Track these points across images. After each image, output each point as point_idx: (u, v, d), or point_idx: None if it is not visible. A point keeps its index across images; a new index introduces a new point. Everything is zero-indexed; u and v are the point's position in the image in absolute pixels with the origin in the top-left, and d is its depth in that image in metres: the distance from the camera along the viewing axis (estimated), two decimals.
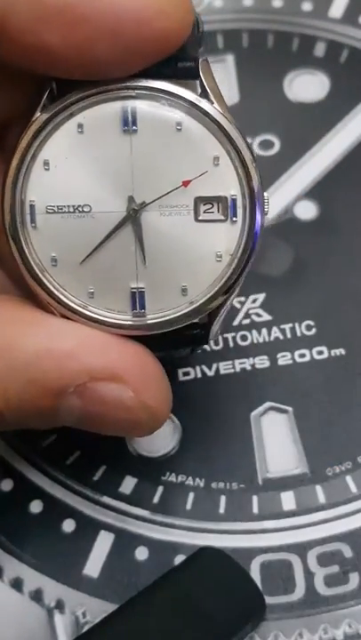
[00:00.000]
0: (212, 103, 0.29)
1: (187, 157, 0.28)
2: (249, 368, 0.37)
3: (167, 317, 0.29)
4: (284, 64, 0.44)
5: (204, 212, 0.29)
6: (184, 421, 0.36)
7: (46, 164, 0.28)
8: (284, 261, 0.39)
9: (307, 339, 0.38)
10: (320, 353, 0.37)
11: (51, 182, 0.28)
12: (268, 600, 0.33)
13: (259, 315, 0.38)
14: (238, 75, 0.43)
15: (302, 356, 0.37)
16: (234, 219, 0.29)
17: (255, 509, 0.35)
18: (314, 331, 0.38)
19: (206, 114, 0.28)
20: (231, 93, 0.43)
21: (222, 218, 0.29)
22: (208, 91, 0.29)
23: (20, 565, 0.34)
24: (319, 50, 0.44)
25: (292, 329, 0.38)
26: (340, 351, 0.37)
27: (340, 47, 0.44)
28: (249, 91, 0.43)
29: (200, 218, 0.29)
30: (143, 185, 0.28)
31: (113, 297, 0.29)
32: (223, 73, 0.43)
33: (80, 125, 0.28)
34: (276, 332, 0.38)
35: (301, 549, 0.34)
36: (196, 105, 0.28)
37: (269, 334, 0.38)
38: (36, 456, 0.36)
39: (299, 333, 0.38)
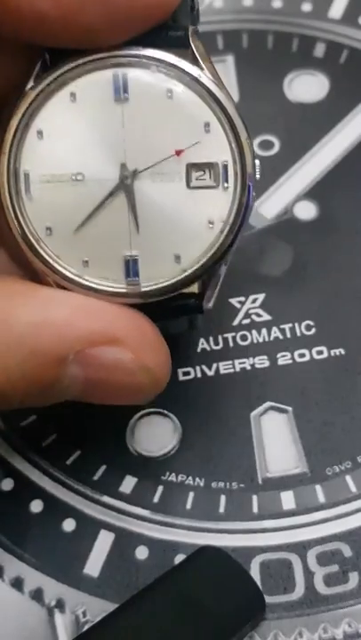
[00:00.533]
0: (202, 69, 0.29)
1: (178, 124, 0.29)
2: (249, 368, 0.37)
3: (161, 285, 0.29)
4: (284, 64, 0.44)
5: (196, 179, 0.29)
6: (184, 421, 0.36)
7: (40, 133, 0.29)
8: (284, 261, 0.39)
9: (306, 339, 0.38)
10: (320, 353, 0.37)
11: (44, 151, 0.29)
12: (268, 599, 0.33)
13: (259, 315, 0.38)
14: (238, 75, 0.43)
15: (302, 355, 0.37)
16: (225, 185, 0.29)
17: (255, 509, 0.35)
18: (314, 331, 0.38)
19: (197, 80, 0.29)
20: (231, 94, 0.43)
21: (214, 184, 0.29)
22: (198, 58, 0.29)
23: (20, 565, 0.34)
24: (319, 50, 0.44)
25: (292, 329, 0.38)
26: (340, 351, 0.37)
27: (339, 48, 0.44)
28: (249, 91, 0.43)
29: (192, 184, 0.29)
30: (135, 152, 0.28)
31: (107, 265, 0.29)
32: (223, 73, 0.43)
33: (72, 94, 0.29)
34: (275, 332, 0.38)
35: (301, 549, 0.34)
36: (187, 72, 0.29)
37: (269, 334, 0.38)
38: (37, 455, 0.36)
39: (298, 333, 0.38)
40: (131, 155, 0.29)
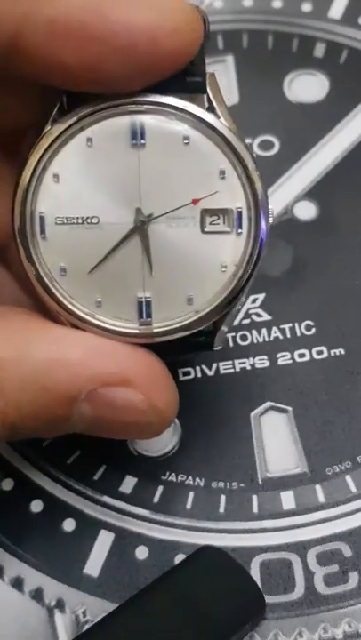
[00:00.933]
0: (219, 117, 0.29)
1: (194, 170, 0.29)
2: (249, 368, 0.37)
3: (173, 326, 0.29)
4: (284, 65, 0.44)
5: (210, 224, 0.29)
6: (184, 421, 0.36)
7: (56, 176, 0.29)
8: (284, 261, 0.39)
9: (306, 339, 0.38)
10: (320, 353, 0.37)
11: (60, 194, 0.29)
12: (268, 599, 0.33)
13: (259, 315, 0.38)
14: (238, 75, 0.43)
15: (302, 355, 0.37)
16: (239, 230, 0.29)
17: (255, 509, 0.35)
18: (314, 331, 0.38)
19: (213, 128, 0.29)
20: (231, 94, 0.43)
21: (228, 229, 0.29)
22: (215, 105, 0.29)
23: (20, 565, 0.34)
24: (319, 50, 0.44)
25: (292, 329, 0.38)
26: (340, 351, 0.37)
27: (339, 48, 0.44)
28: (249, 91, 0.43)
29: (206, 229, 0.29)
30: (151, 197, 0.29)
31: (120, 306, 0.29)
32: (223, 73, 0.44)
33: (89, 139, 0.29)
34: (275, 332, 0.38)
35: (301, 549, 0.34)
36: (203, 120, 0.29)
37: (269, 334, 0.38)
38: (37, 456, 0.36)
39: (298, 333, 0.38)
40: (146, 199, 0.29)
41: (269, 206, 0.29)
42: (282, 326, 0.38)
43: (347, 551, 0.34)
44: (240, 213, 0.29)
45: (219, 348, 0.31)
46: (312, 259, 0.39)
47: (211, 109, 0.29)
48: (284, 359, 0.37)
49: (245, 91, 0.43)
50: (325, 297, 0.39)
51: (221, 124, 0.29)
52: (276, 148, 0.42)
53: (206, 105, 0.29)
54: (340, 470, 0.35)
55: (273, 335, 0.38)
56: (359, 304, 0.38)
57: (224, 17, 0.45)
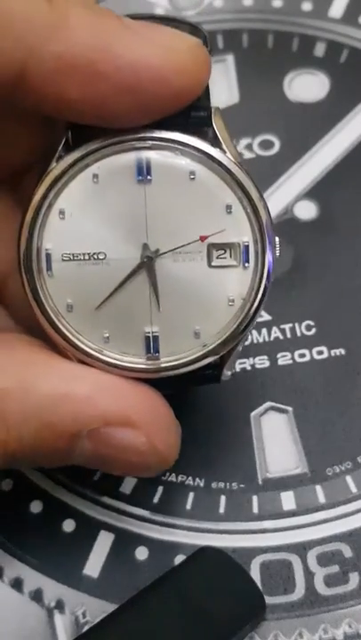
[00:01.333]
0: (225, 152, 0.29)
1: (200, 205, 0.29)
2: (249, 368, 0.37)
3: (181, 360, 0.29)
4: (284, 64, 0.44)
5: (217, 258, 0.29)
6: (184, 421, 0.36)
7: (62, 212, 0.29)
8: (285, 261, 0.39)
9: (307, 339, 0.38)
10: (320, 353, 0.37)
11: (66, 230, 0.29)
12: (268, 600, 0.33)
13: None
14: (238, 75, 0.43)
15: (302, 355, 0.37)
16: (246, 264, 0.29)
17: (255, 509, 0.35)
18: (314, 331, 0.38)
19: (219, 163, 0.29)
20: (231, 93, 0.43)
21: (235, 263, 0.29)
22: (220, 139, 0.29)
23: (20, 565, 0.34)
24: (319, 50, 0.44)
25: (292, 329, 0.38)
26: (340, 351, 0.37)
27: (340, 47, 0.44)
28: (249, 91, 0.43)
29: (213, 264, 0.29)
30: (157, 232, 0.29)
31: (128, 341, 0.29)
32: (223, 73, 0.44)
33: (95, 175, 0.29)
34: (276, 332, 0.38)
35: (301, 549, 0.34)
36: (209, 154, 0.29)
37: (269, 334, 0.38)
38: None
39: (299, 333, 0.38)
40: (153, 235, 0.29)
41: (276, 238, 0.29)
42: (282, 326, 0.38)
43: (347, 552, 0.33)
44: (247, 247, 0.29)
45: (226, 379, 0.31)
46: (312, 259, 0.39)
47: (216, 143, 0.29)
48: (284, 359, 0.37)
49: (245, 90, 0.43)
50: (326, 297, 0.38)
51: (227, 158, 0.29)
52: (277, 148, 0.42)
53: (211, 137, 0.29)
54: (341, 471, 0.35)
55: (273, 335, 0.38)
56: (359, 304, 0.38)
57: (224, 16, 0.45)
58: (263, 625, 0.32)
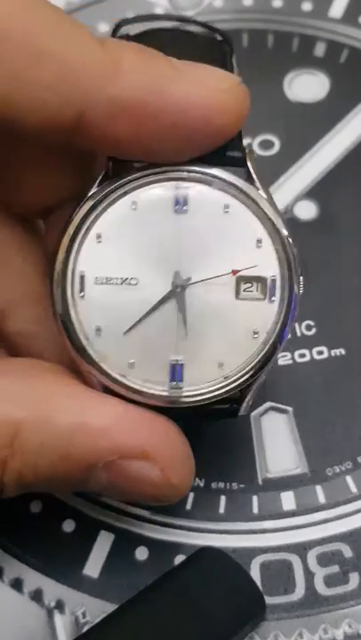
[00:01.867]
0: (258, 189, 0.30)
1: (232, 238, 0.30)
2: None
3: (202, 390, 0.30)
4: (284, 64, 0.44)
5: (245, 291, 0.30)
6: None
7: (99, 237, 0.29)
8: None
9: (307, 339, 0.38)
10: (320, 353, 0.37)
11: (102, 254, 0.29)
12: (268, 600, 0.33)
13: None
14: (238, 75, 0.43)
15: (302, 355, 0.37)
16: (272, 298, 0.30)
17: (255, 509, 0.35)
18: (314, 331, 0.38)
19: (252, 199, 0.30)
20: None
21: (261, 297, 0.30)
22: (254, 177, 0.30)
23: (19, 565, 0.34)
24: (319, 50, 0.44)
25: (293, 329, 0.38)
26: (340, 351, 0.37)
27: (340, 47, 0.44)
28: (249, 91, 0.43)
29: (240, 296, 0.30)
30: (189, 261, 0.29)
31: (153, 368, 0.29)
32: None
33: (134, 203, 0.29)
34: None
35: (301, 549, 0.34)
36: (244, 190, 0.30)
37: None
38: None
39: (299, 333, 0.38)
40: (185, 263, 0.29)
41: (300, 276, 0.30)
42: None
43: (347, 552, 0.33)
44: (274, 282, 0.30)
45: (243, 414, 0.31)
46: (312, 259, 0.39)
47: (250, 181, 0.30)
48: (284, 359, 0.37)
49: (248, 94, 0.43)
50: (326, 297, 0.38)
51: (260, 195, 0.30)
52: (277, 148, 0.42)
53: (245, 177, 0.30)
54: (341, 471, 0.35)
55: None
56: (359, 304, 0.38)
57: (224, 16, 0.45)
58: (263, 625, 0.32)
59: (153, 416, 0.29)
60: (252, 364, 0.30)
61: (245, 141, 0.30)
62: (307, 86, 0.43)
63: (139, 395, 0.29)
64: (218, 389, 0.30)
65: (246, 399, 0.30)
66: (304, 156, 0.42)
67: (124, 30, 0.34)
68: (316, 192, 0.41)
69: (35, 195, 0.32)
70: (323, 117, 0.42)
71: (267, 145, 0.42)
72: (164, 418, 0.29)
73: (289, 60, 0.44)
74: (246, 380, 0.30)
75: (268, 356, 0.30)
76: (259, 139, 0.42)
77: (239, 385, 0.30)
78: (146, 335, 0.29)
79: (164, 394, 0.29)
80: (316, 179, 0.41)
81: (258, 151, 0.42)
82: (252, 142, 0.42)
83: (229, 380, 0.30)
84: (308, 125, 0.42)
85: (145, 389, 0.29)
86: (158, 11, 0.46)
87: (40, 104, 0.26)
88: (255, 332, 0.30)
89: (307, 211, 0.40)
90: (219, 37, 0.34)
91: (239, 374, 0.30)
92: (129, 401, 0.29)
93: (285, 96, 0.43)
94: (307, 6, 0.45)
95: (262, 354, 0.30)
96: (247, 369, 0.30)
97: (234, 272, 0.29)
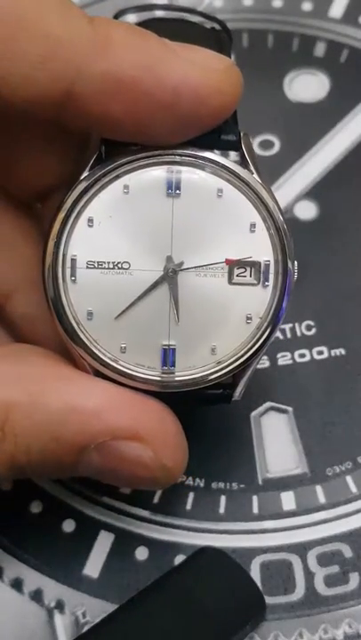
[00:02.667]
0: (252, 173, 0.30)
1: (225, 222, 0.29)
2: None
3: (194, 375, 0.30)
4: (284, 64, 0.44)
5: (238, 276, 0.30)
6: (184, 422, 0.36)
7: (90, 221, 0.29)
8: None
9: (307, 339, 0.38)
10: (320, 353, 0.37)
11: (93, 239, 0.29)
12: (268, 600, 0.33)
13: None
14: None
15: (302, 355, 0.37)
16: (266, 283, 0.30)
17: (255, 509, 0.35)
18: (314, 331, 0.38)
19: (246, 183, 0.29)
20: None
21: (255, 282, 0.30)
22: (248, 161, 0.30)
23: (19, 565, 0.34)
24: (319, 50, 0.44)
25: (292, 329, 0.38)
26: (340, 351, 0.37)
27: (340, 47, 0.44)
28: (249, 91, 0.42)
29: (233, 281, 0.30)
30: (182, 246, 0.29)
31: (144, 353, 0.29)
32: None
33: (126, 187, 0.29)
34: (276, 332, 0.38)
35: (301, 549, 0.34)
36: (237, 174, 0.29)
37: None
38: None
39: (299, 333, 0.38)
40: (177, 248, 0.29)
41: (295, 261, 0.30)
42: (282, 326, 0.38)
43: (347, 552, 0.33)
44: (268, 267, 0.30)
45: (237, 399, 0.31)
46: (312, 259, 0.39)
47: (244, 164, 0.30)
48: (284, 359, 0.37)
49: (246, 90, 0.42)
50: (325, 297, 0.38)
51: (254, 179, 0.30)
52: (277, 148, 0.42)
53: (240, 160, 0.30)
54: (341, 471, 0.35)
55: None
56: (359, 304, 0.38)
57: (224, 16, 0.45)
58: (263, 625, 0.32)
59: (145, 398, 0.29)
60: (245, 349, 0.30)
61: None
62: (307, 86, 0.43)
63: (130, 379, 0.29)
64: (210, 374, 0.30)
65: (240, 384, 0.30)
66: (304, 156, 0.42)
67: (122, 20, 0.34)
68: (316, 192, 0.41)
69: (30, 178, 0.32)
70: (323, 117, 0.42)
71: (267, 145, 0.42)
72: (156, 400, 0.29)
73: (289, 60, 0.44)
74: (239, 365, 0.30)
75: (262, 342, 0.30)
76: (259, 139, 0.42)
77: (232, 370, 0.30)
78: (138, 319, 0.29)
79: (156, 378, 0.29)
80: (316, 179, 0.41)
81: (258, 151, 0.42)
82: (253, 142, 0.42)
83: (222, 365, 0.30)
84: (308, 125, 0.42)
85: (137, 374, 0.29)
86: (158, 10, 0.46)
87: (28, 79, 0.26)
88: (248, 318, 0.29)
89: (307, 211, 0.40)
90: (217, 27, 0.34)
91: (232, 359, 0.30)
92: (121, 385, 0.29)
93: (285, 96, 0.43)
94: (307, 6, 0.45)
95: (256, 339, 0.30)
96: (240, 354, 0.30)
97: (228, 261, 0.29)
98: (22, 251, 0.32)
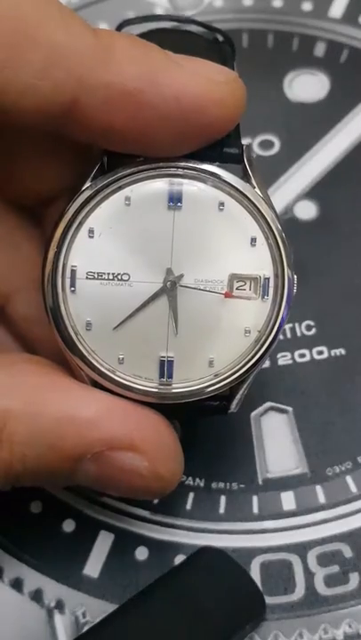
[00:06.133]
0: (254, 187, 0.30)
1: (226, 236, 0.29)
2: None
3: (192, 387, 0.30)
4: (284, 64, 0.44)
5: (237, 289, 0.30)
6: (184, 422, 0.36)
7: (91, 231, 0.29)
8: None
9: (307, 339, 0.38)
10: (320, 353, 0.37)
11: (94, 249, 0.29)
12: (268, 600, 0.33)
13: None
14: (238, 74, 0.43)
15: (302, 355, 0.37)
16: (265, 297, 0.30)
17: (255, 509, 0.35)
18: (314, 331, 0.38)
19: (247, 197, 0.29)
20: None
21: (254, 296, 0.30)
22: (250, 175, 0.30)
23: (19, 565, 0.34)
24: (319, 50, 0.44)
25: (292, 329, 0.38)
26: (340, 351, 0.37)
27: (340, 47, 0.44)
28: (249, 91, 0.42)
29: (233, 294, 0.29)
30: (182, 259, 0.29)
31: (142, 364, 0.29)
32: None
33: (127, 198, 0.29)
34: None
35: (301, 549, 0.34)
36: (238, 189, 0.29)
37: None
38: None
39: (299, 333, 0.38)
40: (177, 260, 0.29)
41: (294, 275, 0.30)
42: None
43: (347, 552, 0.34)
44: (267, 281, 0.30)
45: (233, 411, 0.31)
46: (312, 259, 0.39)
47: (246, 179, 0.30)
48: (284, 359, 0.37)
49: (246, 90, 0.43)
50: (325, 297, 0.38)
51: (256, 193, 0.30)
52: (277, 148, 0.42)
53: (242, 174, 0.30)
54: (341, 471, 0.35)
55: None
56: (359, 304, 0.38)
57: (224, 16, 0.45)
58: (263, 625, 0.32)
59: (141, 409, 0.29)
60: (243, 362, 0.30)
61: (245, 141, 0.30)
62: (307, 86, 0.43)
63: (128, 390, 0.29)
64: (208, 387, 0.30)
65: (237, 397, 0.30)
66: (304, 156, 0.42)
67: (126, 31, 0.34)
68: (316, 192, 0.41)
69: (32, 186, 0.32)
70: (323, 117, 0.42)
71: (267, 145, 0.42)
72: (153, 411, 0.29)
73: (289, 60, 0.44)
74: (237, 378, 0.30)
75: (260, 356, 0.30)
76: (259, 139, 0.42)
77: (229, 383, 0.30)
78: (136, 331, 0.29)
79: (154, 390, 0.29)
80: (316, 179, 0.41)
81: (258, 151, 0.42)
82: (252, 142, 0.42)
83: (220, 378, 0.30)
84: (308, 125, 0.42)
85: (134, 385, 0.29)
86: (158, 11, 0.46)
87: (30, 89, 0.26)
88: (247, 331, 0.29)
89: (307, 211, 0.40)
90: (220, 38, 0.34)
91: (230, 372, 0.30)
92: (118, 396, 0.29)
93: (285, 96, 0.43)
94: (307, 6, 0.45)
95: (254, 353, 0.30)
96: (238, 367, 0.30)
97: (227, 294, 0.29)
98: (24, 252, 0.32)
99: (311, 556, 0.34)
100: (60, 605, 0.33)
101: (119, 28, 0.34)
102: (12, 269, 0.32)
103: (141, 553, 0.34)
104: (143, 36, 0.32)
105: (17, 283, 0.32)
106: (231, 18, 0.45)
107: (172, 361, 0.29)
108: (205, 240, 0.29)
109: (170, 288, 0.29)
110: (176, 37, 0.34)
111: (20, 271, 0.32)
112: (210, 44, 0.33)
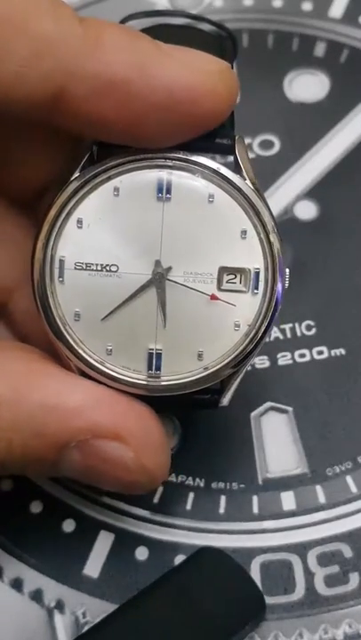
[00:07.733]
0: (245, 179, 0.29)
1: (216, 228, 0.29)
2: (249, 368, 0.37)
3: (180, 380, 0.29)
4: (284, 64, 0.44)
5: (227, 282, 0.29)
6: (184, 421, 0.36)
7: (80, 222, 0.29)
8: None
9: (307, 339, 0.38)
10: (320, 353, 0.37)
11: (82, 240, 0.29)
12: (268, 600, 0.33)
13: None
14: (238, 75, 0.43)
15: (302, 355, 0.37)
16: (255, 291, 0.29)
17: (255, 509, 0.35)
18: (314, 331, 0.38)
19: (238, 189, 0.29)
20: None
21: (244, 289, 0.29)
22: (241, 166, 0.30)
23: (19, 565, 0.34)
24: (319, 50, 0.44)
25: (292, 329, 0.38)
26: (340, 351, 0.37)
27: (340, 47, 0.44)
28: (249, 91, 0.43)
29: (222, 287, 0.29)
30: (171, 250, 0.29)
31: (130, 356, 0.29)
32: None
33: (116, 189, 0.29)
34: (276, 332, 0.38)
35: (301, 549, 0.34)
36: (230, 180, 0.29)
37: (270, 334, 0.38)
38: None
39: (299, 333, 0.38)
40: (166, 252, 0.29)
41: (286, 269, 0.30)
42: (282, 326, 0.38)
43: (347, 552, 0.33)
44: (257, 274, 0.29)
45: (224, 405, 0.31)
46: (312, 259, 0.39)
47: (237, 170, 0.29)
48: (284, 359, 0.37)
49: (246, 90, 0.43)
50: (325, 297, 0.38)
51: (247, 185, 0.29)
52: (277, 148, 0.42)
53: (233, 166, 0.30)
54: (341, 471, 0.35)
55: (273, 335, 0.38)
56: (359, 304, 0.38)
57: (224, 16, 0.45)
58: (263, 625, 0.32)
59: (127, 399, 0.29)
60: (233, 356, 0.29)
61: (245, 141, 0.30)
62: (307, 86, 0.43)
63: (116, 382, 0.29)
64: (197, 380, 0.29)
65: (228, 390, 0.30)
66: (304, 156, 0.42)
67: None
68: (316, 192, 0.41)
69: (23, 177, 0.32)
70: (323, 117, 0.42)
71: (267, 145, 0.42)
72: (140, 402, 0.29)
73: (289, 60, 0.44)
74: (226, 372, 0.30)
75: (250, 349, 0.29)
76: (259, 139, 0.42)
77: (219, 376, 0.30)
78: (124, 322, 0.29)
79: (142, 382, 0.29)
80: (316, 179, 0.41)
81: (258, 151, 0.42)
82: (252, 142, 0.42)
83: (209, 372, 0.29)
84: (308, 125, 0.42)
85: (122, 377, 0.29)
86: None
87: (18, 79, 0.26)
88: (237, 324, 0.29)
89: (307, 211, 0.40)
90: (223, 34, 0.34)
91: (219, 366, 0.29)
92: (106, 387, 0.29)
93: (285, 96, 0.43)
94: (307, 6, 0.45)
95: (243, 346, 0.29)
96: (227, 361, 0.29)
97: (213, 297, 0.29)
98: (25, 248, 0.32)
99: (311, 556, 0.34)
100: (60, 605, 0.33)
101: (122, 23, 0.34)
102: (12, 265, 0.32)
103: (141, 553, 0.34)
104: (145, 30, 0.32)
105: (19, 277, 0.32)
106: (231, 18, 0.45)
107: (161, 353, 0.29)
108: (195, 232, 0.29)
109: (158, 280, 0.29)
110: (177, 32, 0.33)
111: (21, 267, 0.32)
112: (211, 38, 0.33)
